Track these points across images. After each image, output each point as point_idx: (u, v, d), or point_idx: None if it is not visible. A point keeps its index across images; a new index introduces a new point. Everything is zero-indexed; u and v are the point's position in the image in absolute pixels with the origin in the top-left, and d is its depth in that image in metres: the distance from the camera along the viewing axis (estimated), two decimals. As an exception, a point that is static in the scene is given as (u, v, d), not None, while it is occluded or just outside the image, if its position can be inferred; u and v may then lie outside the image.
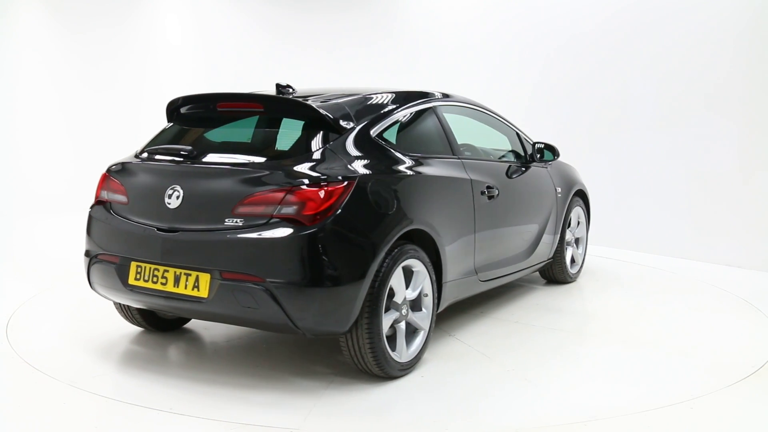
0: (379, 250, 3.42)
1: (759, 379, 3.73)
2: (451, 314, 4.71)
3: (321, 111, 3.62)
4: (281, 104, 3.85)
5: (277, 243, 3.24)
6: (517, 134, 5.14)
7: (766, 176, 6.37)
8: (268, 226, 3.27)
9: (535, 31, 8.10)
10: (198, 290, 3.37)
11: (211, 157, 3.65)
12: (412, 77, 9.02)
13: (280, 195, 3.28)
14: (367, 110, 3.87)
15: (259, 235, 3.26)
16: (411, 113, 4.18)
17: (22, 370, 3.72)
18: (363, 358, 3.49)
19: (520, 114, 6.60)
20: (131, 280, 3.56)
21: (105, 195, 3.87)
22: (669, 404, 3.38)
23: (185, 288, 3.40)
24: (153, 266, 3.50)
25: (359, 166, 3.53)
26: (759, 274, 6.21)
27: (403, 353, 3.65)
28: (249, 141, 3.93)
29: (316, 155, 3.47)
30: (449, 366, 3.87)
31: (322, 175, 3.36)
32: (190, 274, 3.39)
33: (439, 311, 4.00)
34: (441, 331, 4.40)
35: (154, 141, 3.95)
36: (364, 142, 3.68)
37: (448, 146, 4.30)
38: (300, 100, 3.74)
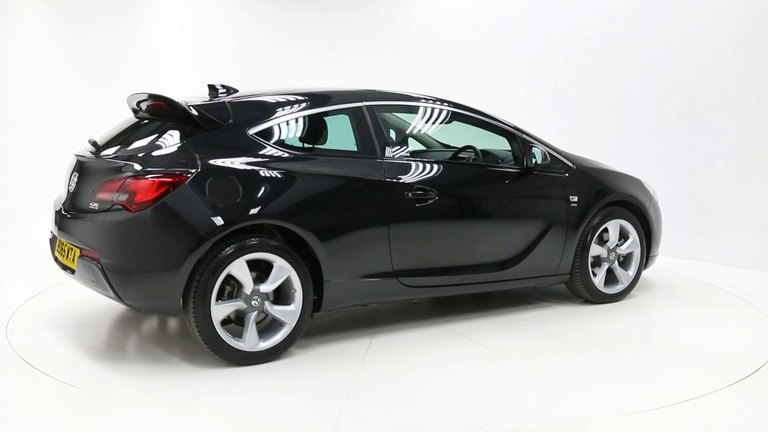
0: (203, 241, 3.59)
1: (759, 379, 3.73)
2: (405, 320, 4.63)
3: (185, 108, 3.83)
4: (171, 104, 3.95)
5: (106, 226, 3.67)
6: (516, 137, 4.78)
7: (766, 176, 6.37)
8: (107, 211, 3.69)
9: (534, 31, 8.10)
10: (73, 263, 3.90)
11: (104, 151, 4.02)
12: (412, 77, 9.03)
13: (119, 184, 3.66)
14: (257, 110, 4.02)
15: (100, 218, 3.72)
16: (323, 113, 4.21)
17: (22, 370, 3.73)
18: (198, 340, 3.70)
19: (520, 114, 6.59)
20: (55, 253, 4.22)
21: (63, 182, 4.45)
22: (669, 404, 3.38)
23: (68, 260, 3.96)
24: (62, 241, 4.09)
25: (208, 161, 3.70)
26: (759, 274, 6.21)
27: (249, 343, 3.75)
28: (143, 137, 4.00)
29: (169, 149, 3.74)
30: (310, 365, 3.81)
31: (158, 167, 3.64)
32: (72, 249, 3.92)
33: (325, 310, 4.03)
34: (364, 333, 4.35)
35: (103, 135, 4.29)
36: (231, 139, 3.85)
37: (372, 146, 4.22)
38: (172, 99, 3.91)
